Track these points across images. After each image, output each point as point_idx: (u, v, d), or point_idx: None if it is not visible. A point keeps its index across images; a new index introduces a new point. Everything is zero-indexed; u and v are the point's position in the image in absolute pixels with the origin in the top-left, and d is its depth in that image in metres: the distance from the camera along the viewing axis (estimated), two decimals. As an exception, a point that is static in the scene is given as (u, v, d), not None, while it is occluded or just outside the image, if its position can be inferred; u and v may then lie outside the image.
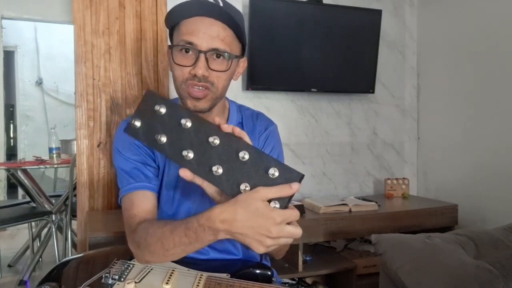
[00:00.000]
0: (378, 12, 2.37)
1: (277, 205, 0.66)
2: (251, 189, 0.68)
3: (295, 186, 0.67)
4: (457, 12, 2.35)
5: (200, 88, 0.88)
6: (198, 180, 0.73)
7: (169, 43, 0.98)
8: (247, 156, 0.68)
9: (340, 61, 2.34)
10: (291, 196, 0.67)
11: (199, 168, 0.71)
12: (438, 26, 2.50)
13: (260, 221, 0.66)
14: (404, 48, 2.62)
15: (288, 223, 0.68)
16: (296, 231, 0.68)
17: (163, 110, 0.72)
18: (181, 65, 0.88)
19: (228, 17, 0.88)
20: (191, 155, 0.70)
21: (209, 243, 0.74)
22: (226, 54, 0.89)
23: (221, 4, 0.89)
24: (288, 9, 2.18)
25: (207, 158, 0.70)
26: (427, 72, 2.60)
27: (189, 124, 0.71)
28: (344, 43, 2.32)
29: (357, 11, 2.34)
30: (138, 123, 0.73)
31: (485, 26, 2.17)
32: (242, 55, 0.97)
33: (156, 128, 0.73)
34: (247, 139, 0.72)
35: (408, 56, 2.63)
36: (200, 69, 0.86)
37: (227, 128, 0.71)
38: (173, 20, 0.91)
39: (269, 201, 0.67)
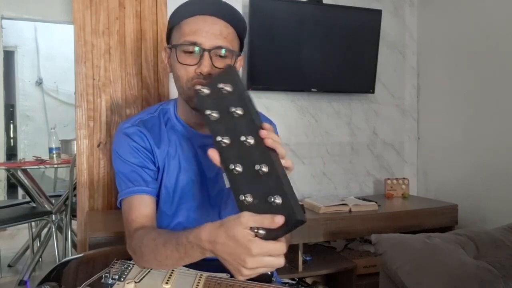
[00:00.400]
0: (378, 12, 2.37)
1: (263, 233, 0.62)
2: (251, 202, 0.65)
3: (278, 220, 0.61)
4: (457, 12, 2.35)
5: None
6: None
7: (167, 43, 0.97)
8: (265, 170, 0.65)
9: (340, 61, 2.33)
10: (285, 230, 0.61)
11: (225, 158, 0.70)
12: (438, 26, 2.49)
13: (237, 250, 0.63)
14: (404, 48, 2.62)
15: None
16: (276, 262, 0.63)
17: (228, 89, 0.73)
18: (185, 64, 0.89)
19: (229, 14, 0.89)
20: (226, 140, 0.70)
21: (199, 259, 0.74)
22: (230, 51, 0.90)
23: (221, 2, 0.90)
24: (288, 9, 2.18)
25: (235, 152, 0.69)
26: (427, 72, 2.60)
27: (240, 112, 0.70)
28: (344, 43, 2.32)
29: (357, 11, 2.34)
30: (207, 91, 0.77)
31: (485, 26, 2.17)
32: (240, 52, 0.98)
33: (213, 103, 0.74)
34: (280, 150, 0.68)
35: (408, 56, 2.63)
36: (206, 67, 0.87)
37: (263, 133, 0.67)
38: (176, 20, 0.91)
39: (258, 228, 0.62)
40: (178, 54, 0.89)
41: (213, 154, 0.72)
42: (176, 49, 0.90)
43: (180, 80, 0.91)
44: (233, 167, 0.68)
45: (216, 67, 0.89)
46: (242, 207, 0.66)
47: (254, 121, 0.69)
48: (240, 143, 0.69)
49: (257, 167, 0.65)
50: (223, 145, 0.70)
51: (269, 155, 0.66)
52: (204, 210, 0.98)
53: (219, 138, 0.71)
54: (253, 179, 0.66)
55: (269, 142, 0.67)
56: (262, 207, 0.64)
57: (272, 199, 0.62)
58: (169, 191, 0.97)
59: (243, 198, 0.65)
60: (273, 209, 0.62)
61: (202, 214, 0.98)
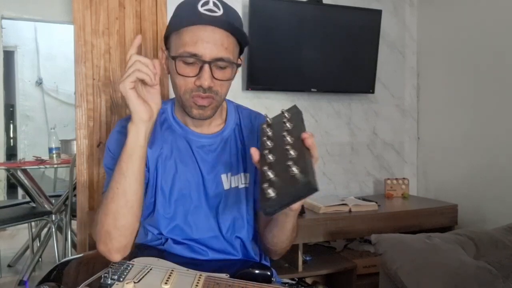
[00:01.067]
0: (378, 12, 2.37)
1: (273, 195, 0.65)
2: (271, 177, 0.69)
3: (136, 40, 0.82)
4: (457, 12, 2.34)
5: (205, 98, 0.88)
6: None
7: (164, 44, 0.95)
8: (293, 154, 0.70)
9: (340, 61, 2.33)
10: (298, 194, 0.65)
11: (262, 154, 0.75)
12: (438, 26, 2.49)
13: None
14: (404, 48, 2.62)
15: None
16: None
17: (287, 115, 0.83)
18: (184, 76, 0.87)
19: (229, 25, 0.86)
20: (270, 143, 0.77)
21: (127, 143, 0.82)
22: (230, 62, 0.88)
23: (221, 10, 0.87)
24: (288, 9, 2.18)
25: (273, 150, 0.74)
26: (427, 72, 2.60)
27: (289, 126, 0.78)
28: (344, 43, 2.32)
29: (357, 11, 2.34)
30: (270, 121, 0.85)
31: (485, 26, 2.17)
32: (240, 54, 0.96)
33: (272, 124, 0.84)
34: (314, 152, 0.73)
35: (408, 56, 2.63)
36: (206, 81, 0.85)
37: (304, 134, 0.73)
38: (176, 26, 0.89)
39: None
40: (177, 64, 0.87)
41: (254, 152, 0.77)
42: (175, 60, 0.88)
43: (178, 89, 0.90)
44: (266, 153, 0.73)
45: (216, 79, 0.87)
46: (262, 180, 0.70)
47: (300, 130, 0.76)
48: (281, 142, 0.74)
49: (288, 153, 0.70)
50: (266, 146, 0.77)
51: (302, 148, 0.71)
52: (201, 212, 0.97)
53: (264, 138, 0.78)
54: (280, 160, 0.71)
55: (309, 142, 0.72)
56: (281, 175, 0.68)
57: (291, 168, 0.66)
58: (166, 193, 0.96)
59: (266, 168, 0.70)
60: (289, 175, 0.66)
61: (199, 216, 0.97)
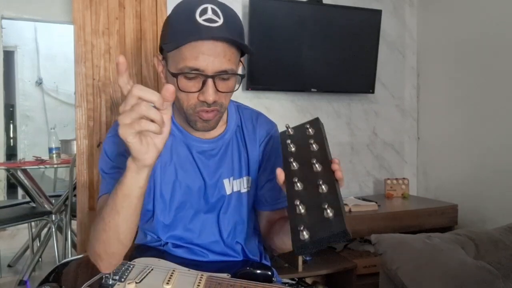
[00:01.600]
0: (378, 12, 2.37)
1: (307, 237, 0.64)
2: (303, 212, 0.68)
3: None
4: (457, 12, 2.35)
5: (210, 112, 0.86)
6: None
7: (160, 52, 0.90)
8: (325, 189, 0.71)
9: (340, 61, 2.33)
10: (331, 239, 0.64)
11: (289, 176, 0.76)
12: (438, 26, 2.50)
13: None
14: (404, 48, 2.62)
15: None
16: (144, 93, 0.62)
17: (311, 131, 0.85)
18: (187, 92, 0.83)
19: (230, 37, 0.82)
20: (295, 165, 0.78)
21: (125, 181, 0.71)
22: (233, 74, 0.84)
23: (221, 19, 0.81)
24: (288, 9, 2.18)
25: (301, 175, 0.76)
26: (427, 72, 2.60)
27: (315, 146, 0.80)
28: (344, 43, 2.32)
29: (357, 11, 2.34)
30: (291, 131, 0.87)
31: (485, 26, 2.17)
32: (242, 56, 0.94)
33: (294, 137, 0.86)
34: (342, 182, 0.74)
35: (408, 56, 2.63)
36: (210, 96, 0.81)
37: (335, 166, 0.74)
38: (172, 44, 0.83)
39: None
40: (179, 80, 0.82)
41: (279, 173, 0.77)
42: (176, 77, 0.83)
43: (181, 104, 0.86)
44: (296, 180, 0.74)
45: (220, 91, 0.83)
46: (294, 215, 0.69)
47: (327, 155, 0.77)
48: (309, 168, 0.76)
49: (318, 186, 0.71)
50: (292, 168, 0.77)
51: (333, 181, 0.72)
52: (202, 218, 0.96)
53: (290, 159, 0.78)
54: (311, 194, 0.71)
55: (339, 175, 0.73)
56: (314, 215, 0.68)
57: (326, 210, 0.66)
58: (166, 200, 0.94)
59: (297, 203, 0.69)
60: (324, 219, 0.66)
61: (200, 222, 0.96)
